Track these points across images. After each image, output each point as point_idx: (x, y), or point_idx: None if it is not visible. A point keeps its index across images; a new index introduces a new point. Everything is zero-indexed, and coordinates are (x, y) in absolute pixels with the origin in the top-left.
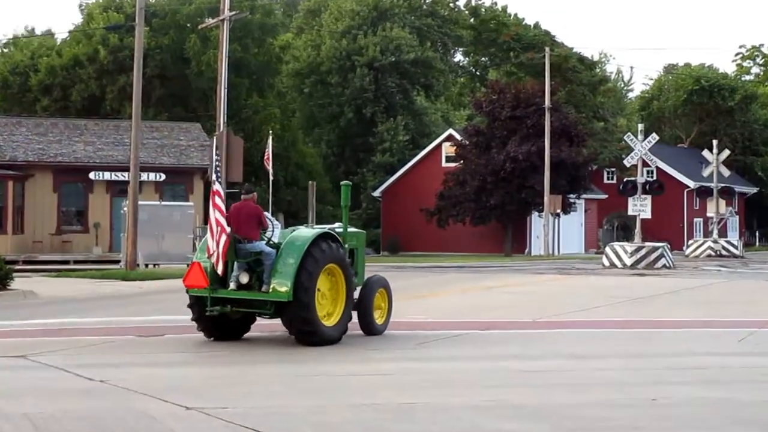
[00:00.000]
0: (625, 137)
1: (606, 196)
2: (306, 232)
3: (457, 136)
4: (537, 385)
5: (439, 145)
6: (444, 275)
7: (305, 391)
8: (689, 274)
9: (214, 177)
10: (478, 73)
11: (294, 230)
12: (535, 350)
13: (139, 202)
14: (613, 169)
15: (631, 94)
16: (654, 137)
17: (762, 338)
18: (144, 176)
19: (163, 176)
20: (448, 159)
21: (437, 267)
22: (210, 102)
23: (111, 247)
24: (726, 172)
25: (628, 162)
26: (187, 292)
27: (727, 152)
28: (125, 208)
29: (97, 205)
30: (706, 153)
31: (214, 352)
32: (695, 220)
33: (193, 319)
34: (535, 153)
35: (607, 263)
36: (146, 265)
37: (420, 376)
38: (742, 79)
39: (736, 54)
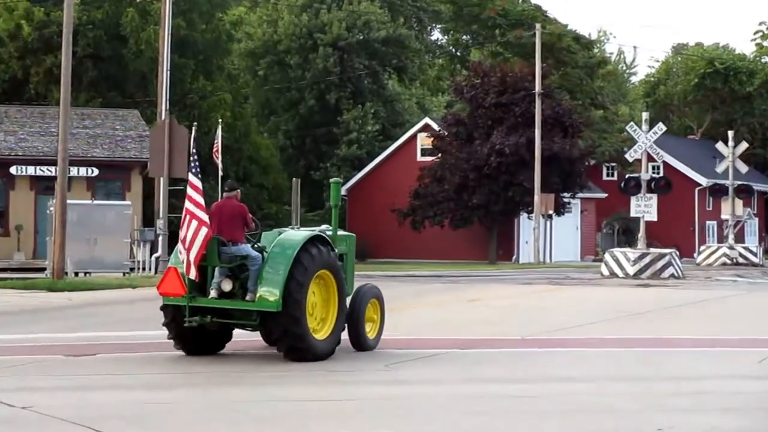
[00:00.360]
0: (627, 127)
1: (605, 195)
2: (295, 234)
3: (435, 126)
4: (526, 412)
5: (414, 137)
6: (419, 286)
7: (260, 420)
8: (701, 285)
9: (191, 170)
10: (458, 53)
11: (280, 232)
12: (523, 372)
13: (68, 201)
14: (614, 165)
15: (634, 78)
16: (661, 127)
17: None
18: (74, 171)
19: (96, 171)
20: (424, 152)
21: (411, 276)
22: (150, 86)
23: (35, 252)
24: (743, 168)
25: (630, 156)
26: (164, 302)
27: (744, 145)
28: (52, 208)
29: (20, 204)
30: (720, 146)
31: (153, 374)
32: (708, 222)
33: (170, 337)
34: (524, 145)
35: (606, 272)
36: (76, 274)
37: (393, 402)
38: (762, 60)
39: (755, 32)
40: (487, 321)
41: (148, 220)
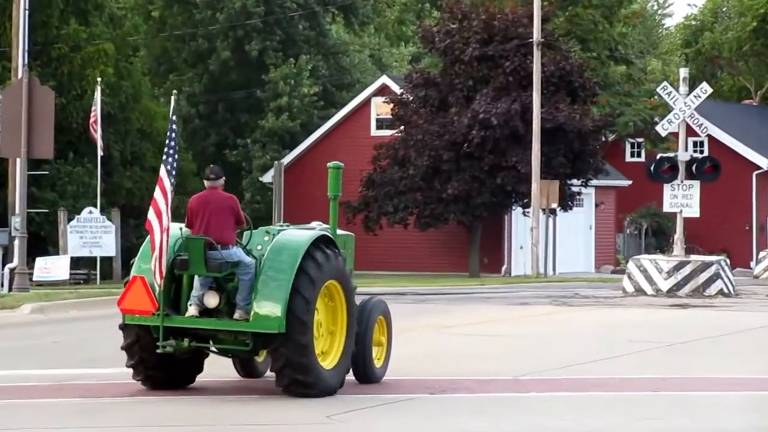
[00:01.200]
0: (659, 90)
1: (629, 182)
2: (295, 235)
3: (396, 88)
4: None
5: (367, 103)
6: None
7: None
8: (761, 305)
9: (167, 161)
10: None
11: (269, 231)
12: (516, 425)
13: None
14: (641, 141)
15: (668, 22)
16: (705, 89)
17: None
18: None
19: None
20: (381, 124)
21: (363, 294)
22: (2, 33)
23: None
24: None
25: (663, 129)
26: (126, 320)
27: None
28: None
29: None
30: None
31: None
32: None
33: (131, 365)
34: (518, 114)
35: (630, 288)
36: None
37: None
38: None
39: None
40: (467, 355)
41: (0, 217)
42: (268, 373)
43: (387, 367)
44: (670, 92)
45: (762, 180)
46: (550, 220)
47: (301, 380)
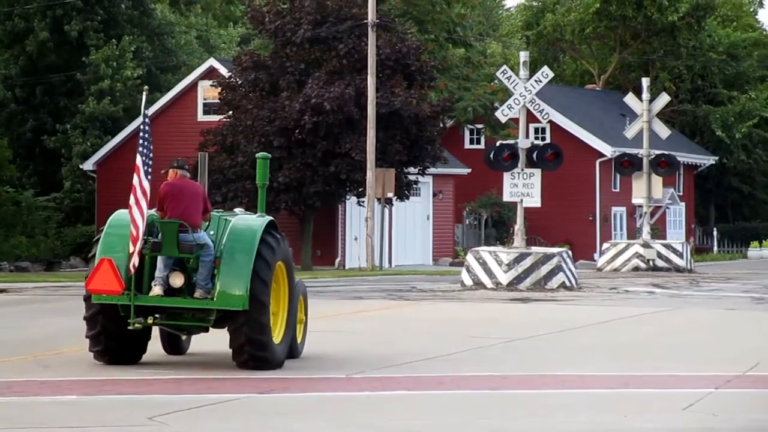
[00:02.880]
0: (498, 74)
1: (469, 170)
2: (250, 220)
3: (224, 71)
4: None
5: (194, 86)
6: None
7: None
8: (604, 298)
9: (141, 147)
10: None
11: (224, 215)
12: (348, 425)
13: None
14: (481, 127)
15: (509, 3)
16: (546, 73)
17: (722, 404)
18: None
19: None
20: (209, 108)
21: None
22: None
23: None
24: (664, 132)
25: (503, 115)
26: (92, 299)
27: (665, 98)
28: None
29: None
30: (630, 99)
31: None
32: (615, 209)
33: (90, 336)
34: (353, 99)
35: (469, 281)
36: None
37: None
38: None
39: None
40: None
41: None
42: (191, 350)
43: (305, 343)
44: (510, 76)
45: (606, 168)
46: (386, 210)
47: (259, 356)
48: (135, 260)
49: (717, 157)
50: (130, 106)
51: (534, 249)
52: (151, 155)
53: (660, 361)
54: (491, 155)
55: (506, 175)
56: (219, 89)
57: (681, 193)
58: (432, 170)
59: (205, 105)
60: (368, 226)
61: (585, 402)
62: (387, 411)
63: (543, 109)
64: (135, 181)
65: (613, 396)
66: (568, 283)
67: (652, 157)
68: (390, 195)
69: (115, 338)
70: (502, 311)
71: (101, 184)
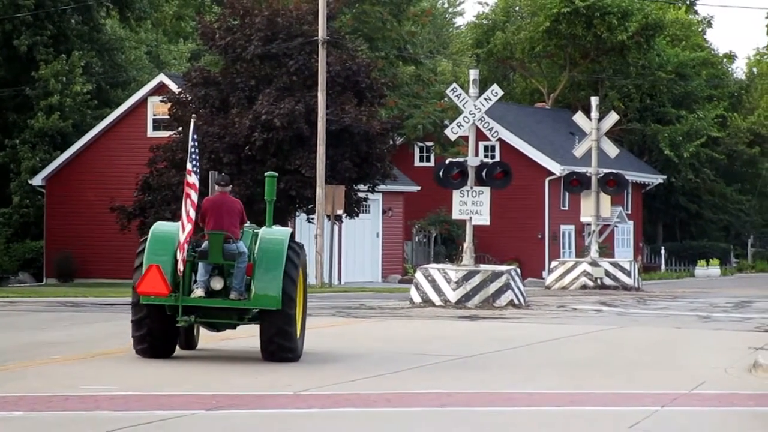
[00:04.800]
0: (448, 91)
1: (418, 188)
2: (276, 231)
3: (174, 87)
4: None
5: (144, 102)
6: None
7: None
8: (552, 317)
9: (190, 167)
10: None
11: (251, 229)
12: None
13: None
14: (430, 145)
15: (459, 21)
16: (496, 92)
17: (668, 422)
18: None
19: None
20: (159, 124)
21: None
22: None
23: None
24: (613, 151)
25: (452, 132)
26: (141, 300)
27: (614, 117)
28: None
29: None
30: (579, 118)
31: None
32: (563, 227)
33: (138, 336)
34: (303, 115)
35: (418, 298)
36: None
37: None
38: None
39: None
40: (245, 370)
41: None
42: (200, 345)
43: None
44: (460, 94)
45: (554, 187)
46: (336, 227)
47: (286, 346)
48: (181, 266)
49: (665, 176)
50: (79, 121)
51: (483, 267)
52: (198, 173)
53: (607, 378)
54: (440, 173)
55: (455, 193)
56: (169, 105)
57: (629, 212)
58: (382, 187)
59: (154, 121)
60: (318, 243)
61: (531, 419)
62: (335, 428)
63: (492, 127)
64: (193, 196)
65: (559, 414)
66: (516, 301)
67: (601, 175)
68: (339, 212)
69: (158, 336)
70: (451, 329)
71: (50, 200)
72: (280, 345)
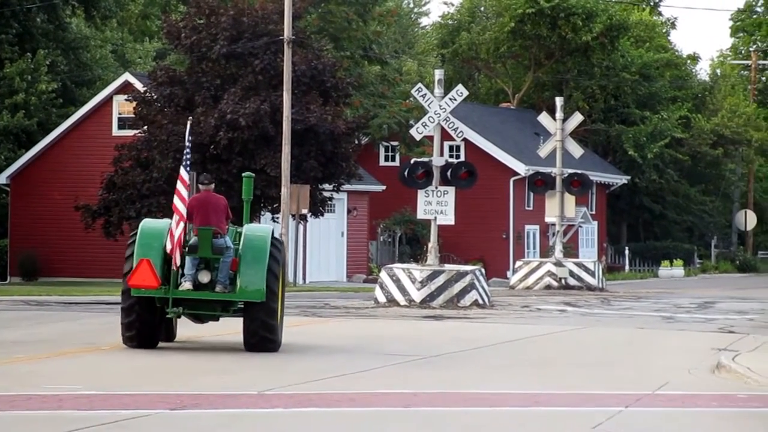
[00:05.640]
0: (413, 91)
1: (383, 187)
2: (259, 228)
3: (139, 86)
4: None
5: (109, 101)
6: (107, 317)
7: None
8: (516, 316)
9: (184, 164)
10: None
11: (234, 227)
12: None
13: None
14: (396, 144)
15: (425, 21)
16: (461, 92)
17: (632, 422)
18: None
19: None
20: (124, 123)
21: (101, 303)
22: None
23: None
24: (577, 151)
25: (418, 132)
26: (132, 293)
27: (579, 117)
28: None
29: None
30: (544, 118)
31: None
32: (528, 228)
33: (127, 323)
34: (268, 115)
35: (383, 298)
36: None
37: None
38: None
39: None
40: (210, 370)
41: None
42: (179, 337)
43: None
44: (425, 94)
45: (519, 187)
46: (300, 227)
47: (268, 338)
48: (177, 260)
49: (629, 177)
50: (44, 119)
51: (447, 267)
52: (188, 170)
53: (570, 379)
54: (405, 173)
55: (420, 193)
56: (134, 104)
57: (593, 212)
58: (347, 187)
59: (120, 120)
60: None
61: (496, 420)
62: (298, 428)
63: (457, 128)
64: (184, 193)
65: (523, 414)
66: (480, 301)
67: (565, 176)
68: (304, 211)
69: (146, 325)
70: (415, 329)
71: (14, 198)
72: (263, 337)
